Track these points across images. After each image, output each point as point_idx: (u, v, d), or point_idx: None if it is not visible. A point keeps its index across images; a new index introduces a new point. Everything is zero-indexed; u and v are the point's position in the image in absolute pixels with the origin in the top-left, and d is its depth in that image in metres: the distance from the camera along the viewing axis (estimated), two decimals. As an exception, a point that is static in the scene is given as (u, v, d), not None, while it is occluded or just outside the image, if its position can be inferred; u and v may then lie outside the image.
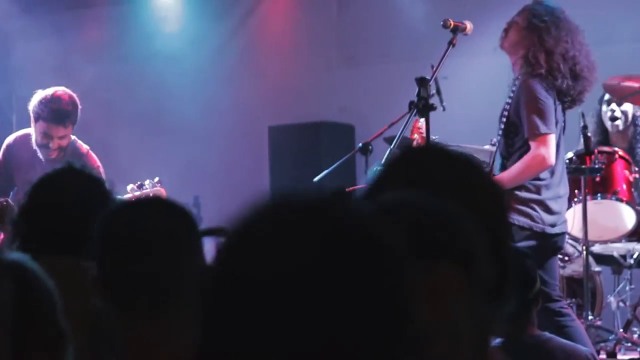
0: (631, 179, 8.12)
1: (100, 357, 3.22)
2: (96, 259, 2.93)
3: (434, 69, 6.71)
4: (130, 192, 7.68)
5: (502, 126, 6.88)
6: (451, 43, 6.82)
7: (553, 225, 6.67)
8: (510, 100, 6.87)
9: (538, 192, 6.69)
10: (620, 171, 8.07)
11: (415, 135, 7.11)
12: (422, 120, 7.18)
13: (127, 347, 2.87)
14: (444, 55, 6.73)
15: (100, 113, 8.40)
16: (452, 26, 6.85)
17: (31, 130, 8.01)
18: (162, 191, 7.73)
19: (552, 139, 6.64)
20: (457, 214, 1.80)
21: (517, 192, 6.65)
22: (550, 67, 6.74)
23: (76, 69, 8.34)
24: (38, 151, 7.91)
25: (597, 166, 7.62)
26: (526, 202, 6.64)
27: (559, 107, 6.84)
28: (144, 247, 2.88)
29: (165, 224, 2.94)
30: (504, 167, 6.85)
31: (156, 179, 7.81)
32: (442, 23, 6.87)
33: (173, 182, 8.69)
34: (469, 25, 6.93)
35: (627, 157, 8.20)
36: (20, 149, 8.08)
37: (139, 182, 7.72)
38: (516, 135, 6.83)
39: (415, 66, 7.94)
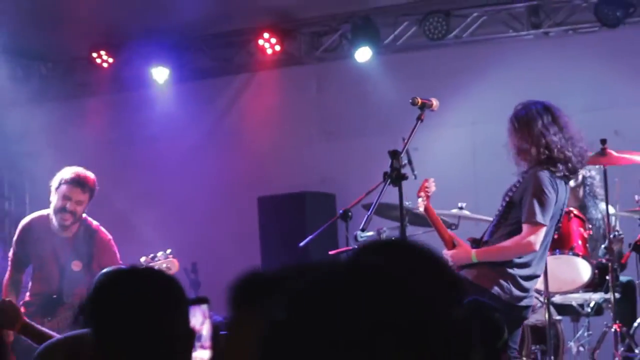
0: (585, 235, 8.15)
1: None
2: (92, 325, 2.92)
3: (405, 141, 6.73)
4: (144, 263, 7.65)
5: (504, 203, 6.91)
6: (419, 118, 6.84)
7: (520, 300, 6.69)
8: (518, 185, 6.89)
9: (516, 268, 6.72)
10: (576, 229, 8.09)
11: (422, 194, 7.16)
12: (432, 180, 7.24)
13: None
14: (413, 130, 6.75)
15: (103, 192, 8.41)
16: (419, 103, 6.87)
17: (44, 211, 8.08)
18: (174, 262, 7.73)
19: (543, 230, 6.69)
20: None
21: (499, 265, 6.69)
22: (548, 157, 6.79)
23: (80, 151, 8.36)
24: (54, 219, 7.93)
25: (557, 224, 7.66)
26: (503, 274, 6.67)
27: (562, 186, 6.89)
28: (134, 315, 2.87)
29: (153, 294, 2.92)
30: (492, 234, 6.88)
31: (168, 251, 7.79)
32: (410, 101, 6.90)
33: (173, 250, 8.70)
34: (435, 102, 6.95)
35: (581, 215, 8.24)
36: (33, 228, 8.15)
37: (151, 255, 7.70)
38: (512, 213, 6.86)
39: (388, 139, 7.97)
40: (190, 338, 2.94)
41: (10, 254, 8.19)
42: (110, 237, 8.06)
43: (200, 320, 3.08)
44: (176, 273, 7.45)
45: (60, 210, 7.91)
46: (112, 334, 2.87)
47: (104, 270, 3.98)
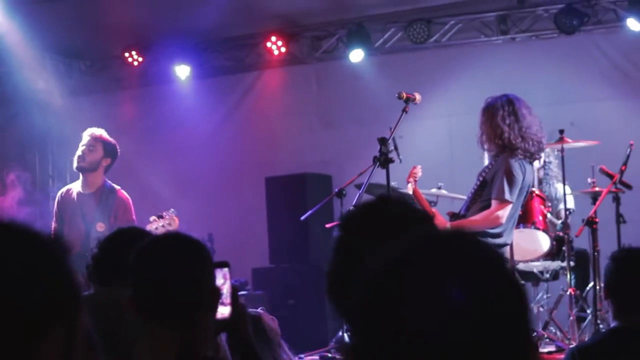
0: (545, 212, 8.15)
1: None
2: (132, 283, 2.89)
3: (392, 130, 6.70)
4: (152, 221, 7.71)
5: (478, 183, 6.87)
6: (404, 110, 6.80)
7: None
8: (490, 167, 6.85)
9: (490, 238, 6.67)
10: (537, 206, 8.09)
11: (411, 179, 7.13)
12: (419, 167, 7.21)
13: (153, 351, 2.83)
14: (398, 120, 6.72)
15: (132, 171, 8.42)
16: (404, 97, 6.83)
17: (73, 183, 8.30)
18: (175, 219, 7.75)
19: (510, 207, 6.66)
20: None
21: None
22: (513, 144, 6.75)
23: (113, 137, 8.36)
24: (74, 163, 8.11)
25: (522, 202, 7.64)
26: None
27: (529, 167, 6.86)
28: (169, 274, 2.85)
29: (186, 255, 2.90)
30: (467, 208, 6.85)
31: (171, 210, 7.81)
32: (397, 95, 6.85)
33: (192, 222, 8.69)
34: (418, 96, 6.91)
35: (542, 195, 8.23)
36: (64, 195, 8.26)
37: (159, 214, 7.75)
38: (484, 191, 6.82)
39: (377, 128, 7.91)
40: (215, 295, 2.94)
41: (52, 225, 8.20)
42: (128, 197, 8.10)
43: (221, 281, 3.08)
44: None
45: (76, 156, 8.10)
46: (150, 292, 2.85)
47: (138, 233, 3.98)
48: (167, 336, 2.82)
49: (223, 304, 3.08)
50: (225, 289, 3.11)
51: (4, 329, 1.53)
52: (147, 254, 2.92)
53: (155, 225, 7.67)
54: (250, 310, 4.44)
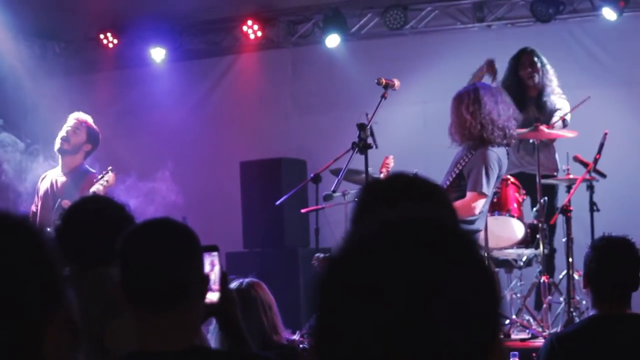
0: (520, 199, 8.13)
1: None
2: (119, 270, 2.82)
3: (370, 116, 6.65)
4: (95, 182, 7.78)
5: (453, 174, 6.86)
6: (383, 96, 6.76)
7: None
8: (467, 159, 6.83)
9: (463, 224, 6.66)
10: (512, 194, 8.06)
11: (383, 169, 7.11)
12: (391, 157, 7.18)
13: (141, 338, 2.77)
14: (378, 106, 6.67)
15: (107, 155, 8.36)
16: (384, 83, 6.79)
17: (51, 170, 8.26)
18: (112, 175, 7.80)
19: (484, 200, 6.68)
20: None
21: None
22: (473, 134, 6.73)
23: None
24: (56, 144, 8.08)
25: (494, 190, 7.59)
26: None
27: (504, 159, 6.86)
28: (157, 260, 2.78)
29: (174, 241, 2.83)
30: None
31: (110, 168, 7.85)
32: (376, 81, 6.80)
33: (167, 206, 8.61)
34: (397, 82, 6.88)
35: (517, 182, 8.20)
36: (44, 181, 8.25)
37: (100, 175, 7.84)
38: (461, 182, 6.83)
39: (352, 114, 7.86)
40: (204, 283, 2.88)
41: (32, 209, 8.15)
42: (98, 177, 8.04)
43: (209, 266, 3.00)
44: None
45: (60, 137, 8.03)
46: (137, 279, 2.78)
47: (131, 227, 3.82)
48: (156, 323, 2.76)
49: (211, 289, 3.01)
50: (214, 274, 3.04)
51: (7, 322, 1.50)
52: (136, 241, 2.84)
53: (96, 187, 7.67)
54: (244, 279, 4.41)
